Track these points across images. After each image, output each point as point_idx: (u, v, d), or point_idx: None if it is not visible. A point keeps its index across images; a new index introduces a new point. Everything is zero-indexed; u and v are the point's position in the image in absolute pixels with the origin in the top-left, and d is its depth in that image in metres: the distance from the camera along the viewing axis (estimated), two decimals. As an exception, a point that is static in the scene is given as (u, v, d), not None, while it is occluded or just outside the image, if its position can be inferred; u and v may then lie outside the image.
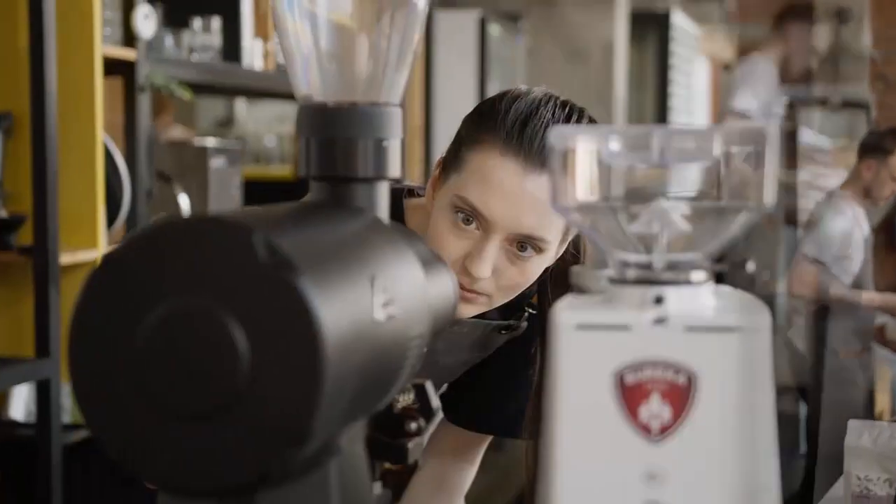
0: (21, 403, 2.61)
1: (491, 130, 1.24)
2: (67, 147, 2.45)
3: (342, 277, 0.64)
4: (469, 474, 1.49)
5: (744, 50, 9.53)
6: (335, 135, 0.78)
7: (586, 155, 0.70)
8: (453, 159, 1.28)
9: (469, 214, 1.24)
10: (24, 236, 2.40)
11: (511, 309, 1.40)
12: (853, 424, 2.11)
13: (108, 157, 2.57)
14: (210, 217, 0.61)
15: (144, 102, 2.71)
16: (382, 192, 0.80)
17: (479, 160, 1.24)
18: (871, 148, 4.38)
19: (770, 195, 0.68)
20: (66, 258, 2.40)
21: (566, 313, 0.68)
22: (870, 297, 4.34)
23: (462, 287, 1.25)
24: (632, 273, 0.70)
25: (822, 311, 4.31)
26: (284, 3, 0.81)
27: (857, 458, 1.97)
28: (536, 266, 1.28)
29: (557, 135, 0.70)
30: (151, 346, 0.61)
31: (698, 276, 0.69)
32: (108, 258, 0.62)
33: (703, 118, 8.75)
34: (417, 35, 0.83)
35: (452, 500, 1.45)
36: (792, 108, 4.44)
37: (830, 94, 5.24)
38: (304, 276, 0.60)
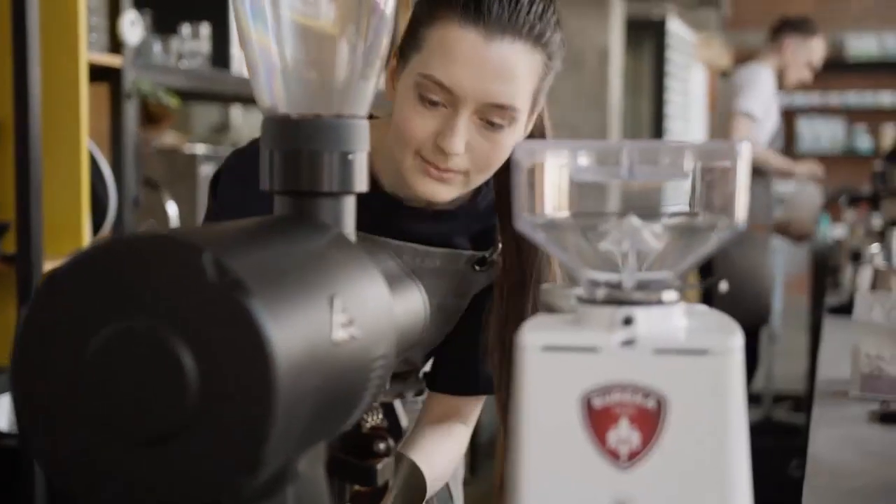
0: (4, 413, 2.58)
1: (446, 4, 1.23)
2: (52, 154, 2.43)
3: (298, 297, 0.62)
4: (465, 435, 1.44)
5: (740, 57, 9.53)
6: (299, 147, 0.76)
7: (554, 170, 0.68)
8: (411, 41, 1.26)
9: (435, 92, 1.22)
10: (8, 244, 2.37)
11: (484, 243, 1.40)
12: (862, 296, 2.00)
13: (94, 164, 2.55)
14: (160, 235, 0.59)
15: (131, 109, 2.69)
16: (349, 207, 0.78)
17: (439, 35, 1.23)
18: (791, 27, 4.50)
19: (742, 214, 0.66)
20: (50, 266, 2.38)
21: (532, 334, 0.66)
22: (783, 162, 4.52)
23: (436, 167, 1.25)
24: (601, 292, 0.68)
25: None
26: (248, 13, 0.79)
27: (867, 333, 1.85)
28: (509, 138, 1.26)
29: (524, 150, 0.67)
30: (97, 367, 0.58)
31: (669, 295, 0.67)
32: (53, 276, 0.60)
33: (700, 124, 8.73)
34: (385, 43, 0.81)
35: (445, 467, 1.38)
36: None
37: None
38: (254, 296, 0.57)
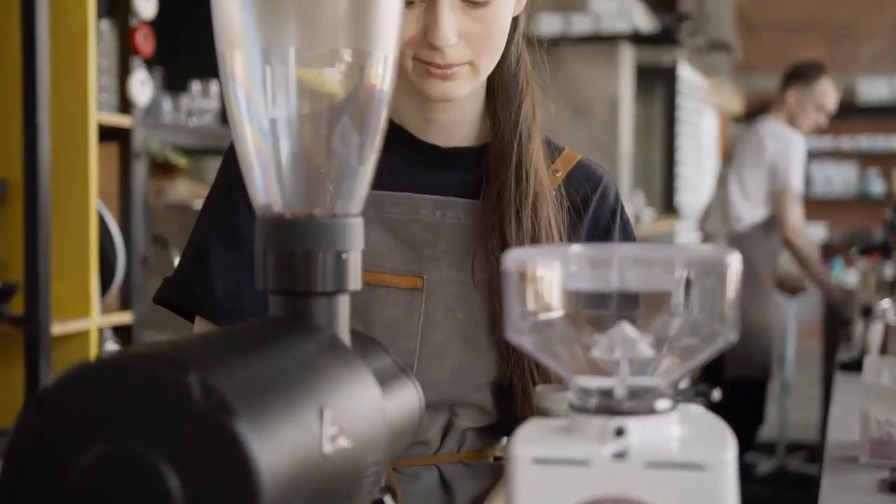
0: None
1: None
2: (61, 215, 2.44)
3: (287, 413, 0.61)
4: None
5: (751, 101, 9.55)
6: (293, 248, 0.76)
7: (543, 278, 0.67)
8: None
9: None
10: (16, 306, 2.38)
11: None
12: (870, 360, 1.95)
13: (103, 224, 2.56)
14: (146, 355, 0.59)
15: (140, 169, 2.70)
16: (342, 306, 0.78)
17: None
18: (793, 77, 4.50)
19: (733, 325, 0.65)
20: (58, 328, 2.38)
21: (523, 447, 0.65)
22: (818, 267, 4.53)
23: (437, 66, 1.17)
24: (593, 401, 0.67)
25: (746, 235, 4.42)
26: (242, 109, 0.79)
27: (876, 397, 1.80)
28: (501, 10, 1.18)
29: (513, 259, 0.67)
30: (84, 489, 0.58)
31: (662, 404, 0.67)
32: (40, 397, 0.60)
33: (711, 169, 8.74)
34: (378, 141, 0.80)
35: None
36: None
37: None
38: (241, 417, 0.57)
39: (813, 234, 9.71)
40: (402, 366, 0.84)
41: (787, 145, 4.47)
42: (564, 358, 0.69)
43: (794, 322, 5.80)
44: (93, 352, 2.50)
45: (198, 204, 3.32)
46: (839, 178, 9.78)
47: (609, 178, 1.33)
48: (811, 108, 4.52)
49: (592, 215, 1.30)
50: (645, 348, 0.67)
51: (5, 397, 2.43)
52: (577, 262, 0.67)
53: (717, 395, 1.19)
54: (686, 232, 7.01)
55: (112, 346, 2.85)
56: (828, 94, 4.56)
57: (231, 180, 1.27)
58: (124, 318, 2.66)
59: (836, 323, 4.51)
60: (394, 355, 1.21)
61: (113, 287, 2.59)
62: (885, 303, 3.00)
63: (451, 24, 1.14)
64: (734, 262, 0.65)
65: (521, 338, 0.68)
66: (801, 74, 4.54)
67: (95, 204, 2.50)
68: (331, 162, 0.78)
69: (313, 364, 0.69)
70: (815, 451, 5.20)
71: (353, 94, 0.78)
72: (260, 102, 0.77)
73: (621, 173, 5.53)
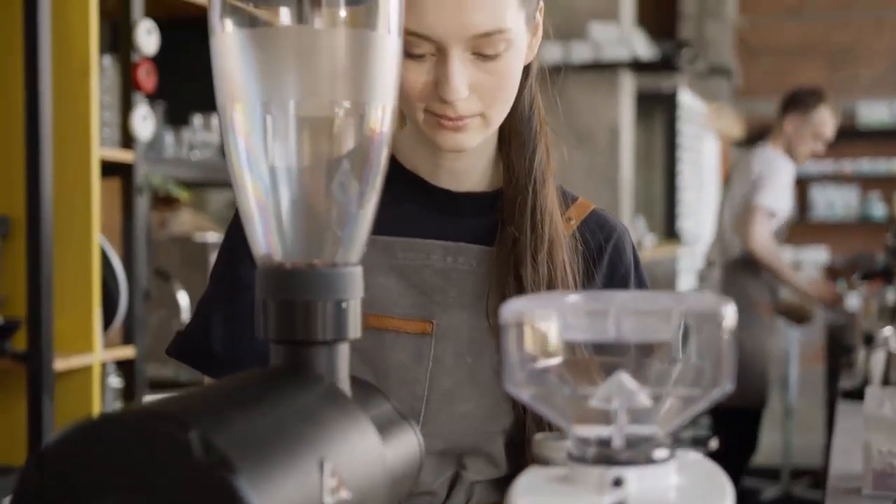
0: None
1: None
2: (64, 250, 2.45)
3: (287, 467, 0.62)
4: None
5: (752, 125, 9.58)
6: (294, 297, 0.77)
7: (541, 328, 0.68)
8: None
9: (416, 45, 1.13)
10: (19, 341, 2.38)
11: None
12: (872, 391, 1.94)
13: (105, 259, 2.57)
14: (146, 412, 0.59)
15: (142, 203, 2.72)
16: (342, 354, 0.78)
17: None
18: (791, 104, 4.49)
19: (730, 374, 0.66)
20: (60, 364, 2.38)
21: (522, 497, 0.66)
22: (792, 276, 4.48)
23: (448, 118, 1.16)
24: (591, 451, 0.68)
25: (740, 263, 4.41)
26: (242, 160, 0.79)
27: (878, 428, 1.79)
28: (511, 62, 1.17)
29: (510, 311, 0.68)
30: (86, 545, 0.58)
31: (660, 453, 0.67)
32: (41, 455, 0.60)
33: (713, 194, 8.76)
34: (377, 189, 0.81)
35: None
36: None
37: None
38: (241, 474, 0.58)
39: (814, 257, 9.74)
40: (403, 412, 0.85)
41: (770, 166, 4.48)
42: (562, 407, 0.69)
43: (797, 346, 5.80)
44: (96, 387, 2.51)
45: (200, 236, 3.34)
46: (841, 202, 9.80)
47: (623, 228, 1.32)
48: (809, 136, 4.52)
49: (608, 266, 1.30)
50: (643, 398, 0.67)
51: (8, 433, 2.43)
52: (574, 313, 0.68)
53: (714, 444, 1.19)
54: (688, 258, 7.02)
55: (115, 380, 2.86)
56: (826, 122, 4.54)
57: (235, 233, 1.28)
58: (127, 352, 2.67)
59: (839, 348, 4.50)
60: (402, 400, 1.22)
61: (115, 321, 2.60)
62: (887, 330, 3.00)
63: (461, 77, 1.14)
64: (730, 313, 0.66)
65: (518, 388, 0.69)
66: (798, 102, 4.54)
67: (98, 239, 2.51)
68: (330, 211, 0.79)
69: (313, 415, 0.70)
70: (819, 477, 5.18)
71: (352, 144, 0.79)
72: (260, 153, 0.78)
73: (622, 200, 5.54)
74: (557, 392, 0.70)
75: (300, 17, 0.91)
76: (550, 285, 1.22)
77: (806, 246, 9.83)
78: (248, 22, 0.78)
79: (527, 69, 1.26)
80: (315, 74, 0.78)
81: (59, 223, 2.42)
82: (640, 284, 1.31)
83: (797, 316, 4.84)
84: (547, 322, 0.68)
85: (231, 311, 1.26)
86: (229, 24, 0.77)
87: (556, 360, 0.70)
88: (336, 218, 0.79)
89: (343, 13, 0.78)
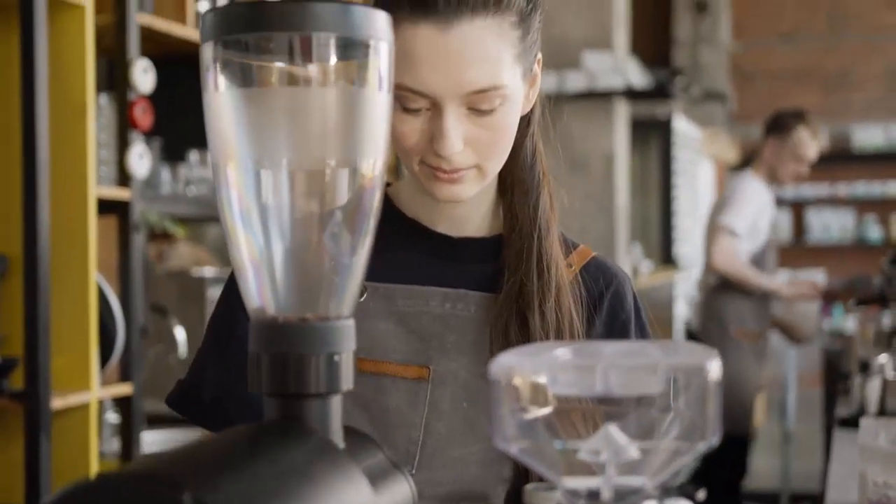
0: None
1: (396, 6, 1.13)
2: (61, 289, 2.46)
3: (280, 525, 0.63)
4: None
5: (747, 150, 9.63)
6: (287, 351, 0.78)
7: (530, 384, 0.69)
8: None
9: (412, 100, 1.14)
10: (16, 380, 2.39)
11: None
12: (866, 422, 1.94)
13: (102, 296, 2.58)
14: (140, 473, 0.60)
15: (138, 240, 2.73)
16: (335, 407, 0.79)
17: (397, 41, 1.15)
18: (769, 128, 4.49)
19: (715, 427, 0.67)
20: (58, 402, 2.39)
21: (512, 551, 0.67)
22: (765, 280, 4.40)
23: (443, 171, 1.17)
24: (580, 503, 0.69)
25: (717, 288, 4.39)
26: (236, 215, 0.81)
27: (873, 459, 1.79)
28: (507, 116, 1.17)
29: (499, 366, 0.69)
30: None
31: (648, 505, 0.68)
32: (38, 516, 0.61)
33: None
34: (368, 244, 0.82)
35: None
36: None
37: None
38: (235, 535, 0.59)
39: (812, 280, 9.74)
40: (396, 461, 0.85)
41: (739, 188, 4.49)
42: (552, 460, 0.70)
43: (795, 371, 5.80)
44: (93, 424, 2.51)
45: (197, 270, 3.35)
46: (837, 225, 9.82)
47: (624, 275, 1.32)
48: (788, 158, 4.50)
49: (608, 312, 1.30)
50: (631, 451, 0.68)
51: (6, 472, 2.43)
52: (562, 368, 0.69)
53: (701, 495, 1.20)
54: (684, 283, 7.03)
55: (112, 416, 2.86)
56: (804, 143, 4.51)
57: (232, 284, 1.30)
58: (124, 389, 2.67)
59: (836, 374, 4.50)
60: (397, 445, 1.23)
61: (113, 359, 2.61)
62: (883, 358, 3.01)
63: (457, 132, 1.15)
64: (714, 368, 0.67)
65: (508, 443, 0.70)
66: (777, 125, 4.53)
67: (95, 278, 2.52)
68: (323, 266, 0.80)
69: (306, 470, 0.70)
70: (818, 502, 5.18)
71: (344, 198, 0.80)
72: (253, 209, 0.79)
73: (618, 227, 5.56)
74: (547, 445, 0.71)
75: (291, 77, 0.93)
76: (558, 333, 1.23)
77: (803, 269, 9.84)
78: (240, 81, 0.80)
79: (528, 117, 1.27)
80: (307, 133, 0.80)
81: (56, 262, 2.43)
82: (642, 332, 1.31)
83: (796, 336, 4.83)
84: (536, 377, 0.69)
85: (224, 364, 1.27)
86: (222, 83, 0.79)
87: (545, 414, 0.71)
88: (328, 271, 0.80)
89: (334, 70, 0.80)
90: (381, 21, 0.79)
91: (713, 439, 0.68)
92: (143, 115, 2.68)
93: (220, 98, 0.79)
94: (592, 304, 1.29)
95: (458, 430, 1.22)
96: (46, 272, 2.38)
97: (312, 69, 0.79)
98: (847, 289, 9.54)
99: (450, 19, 1.12)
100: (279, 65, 0.94)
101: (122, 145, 2.68)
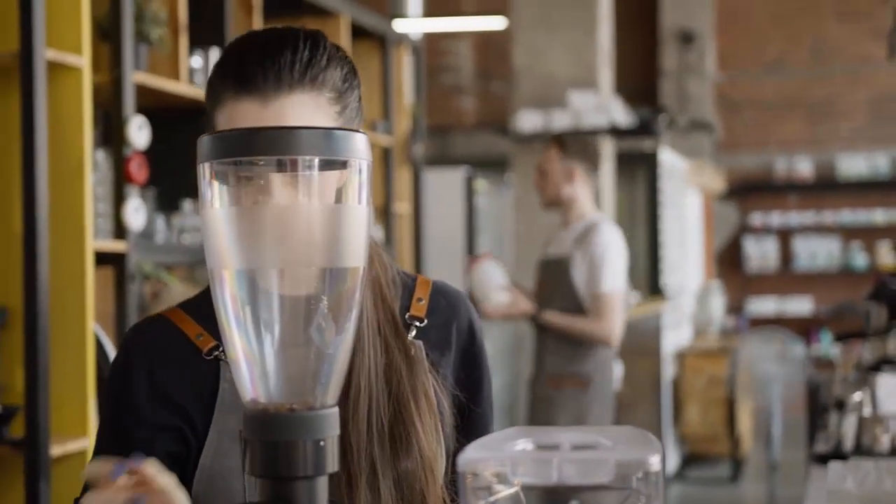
0: None
1: (221, 84, 1.22)
2: (59, 339, 2.54)
3: None
4: None
5: (733, 179, 9.74)
6: (277, 438, 0.87)
7: (492, 476, 0.78)
8: (208, 129, 1.23)
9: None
10: (16, 429, 2.47)
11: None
12: (835, 466, 2.00)
13: (100, 346, 2.66)
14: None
15: (134, 290, 2.81)
16: (321, 487, 0.88)
17: (225, 115, 1.22)
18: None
19: (656, 515, 0.76)
20: (56, 449, 2.47)
21: None
22: (552, 316, 3.89)
23: None
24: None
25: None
26: (231, 318, 0.90)
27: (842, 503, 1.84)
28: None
29: (466, 460, 0.78)
30: None
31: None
32: None
33: (697, 249, 8.87)
34: (350, 337, 0.92)
35: None
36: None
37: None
38: None
39: (799, 307, 9.86)
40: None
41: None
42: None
43: (780, 402, 5.89)
44: (91, 470, 2.58)
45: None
46: (823, 252, 9.93)
47: (464, 296, 1.39)
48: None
49: (456, 333, 1.36)
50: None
51: (7, 520, 2.51)
52: (522, 461, 0.78)
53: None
54: (671, 313, 7.11)
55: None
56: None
57: (122, 378, 1.28)
58: (121, 433, 2.74)
59: (818, 403, 4.55)
60: None
61: (110, 406, 2.68)
62: (857, 396, 3.08)
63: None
64: (656, 460, 0.76)
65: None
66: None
67: (92, 327, 2.60)
68: (309, 360, 0.90)
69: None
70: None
71: (329, 301, 0.90)
72: (246, 310, 0.89)
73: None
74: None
75: (279, 194, 1.03)
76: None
77: (790, 296, 9.96)
78: (233, 199, 0.90)
79: None
80: (294, 242, 0.90)
81: (54, 313, 2.51)
82: (482, 351, 1.37)
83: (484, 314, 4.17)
84: (498, 470, 0.78)
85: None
86: (217, 201, 0.89)
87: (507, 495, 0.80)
88: (314, 366, 0.90)
89: (318, 187, 0.90)
90: (359, 142, 0.89)
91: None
92: (138, 170, 2.77)
93: (216, 213, 0.88)
94: (447, 334, 1.35)
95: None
96: (45, 323, 2.46)
97: (298, 187, 0.89)
98: (835, 315, 9.66)
99: (269, 95, 1.20)
100: (268, 183, 1.05)
101: (119, 199, 2.77)
